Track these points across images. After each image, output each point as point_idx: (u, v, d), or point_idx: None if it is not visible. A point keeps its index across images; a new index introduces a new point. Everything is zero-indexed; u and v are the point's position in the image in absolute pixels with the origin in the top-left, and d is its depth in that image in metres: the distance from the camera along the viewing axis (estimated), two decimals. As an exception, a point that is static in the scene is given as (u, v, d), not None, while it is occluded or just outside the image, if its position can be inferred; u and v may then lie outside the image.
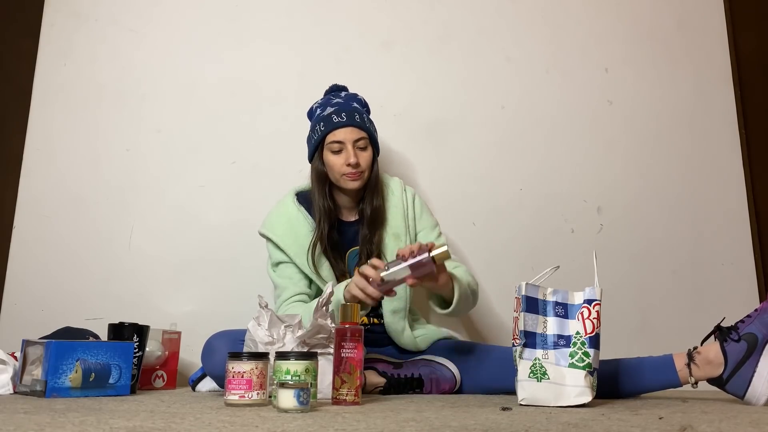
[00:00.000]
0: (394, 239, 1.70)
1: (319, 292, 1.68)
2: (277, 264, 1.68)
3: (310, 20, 2.17)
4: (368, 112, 1.77)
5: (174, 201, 2.03)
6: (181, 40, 2.13)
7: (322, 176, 1.70)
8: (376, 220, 1.70)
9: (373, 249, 1.69)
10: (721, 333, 1.33)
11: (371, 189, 1.71)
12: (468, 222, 2.10)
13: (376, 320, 1.70)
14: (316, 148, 1.69)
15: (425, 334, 1.68)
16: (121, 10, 2.13)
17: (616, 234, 2.15)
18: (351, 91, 1.77)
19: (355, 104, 1.72)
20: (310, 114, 1.76)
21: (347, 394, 1.21)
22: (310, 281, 1.66)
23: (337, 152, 1.66)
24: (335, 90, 1.79)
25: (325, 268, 1.65)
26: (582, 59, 2.25)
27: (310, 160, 1.72)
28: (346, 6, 2.19)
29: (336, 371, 1.23)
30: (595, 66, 2.25)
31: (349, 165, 1.64)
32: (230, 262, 1.99)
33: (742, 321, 1.34)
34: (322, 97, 1.77)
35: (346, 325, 1.26)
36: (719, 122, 2.26)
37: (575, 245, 2.11)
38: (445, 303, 1.57)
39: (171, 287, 1.98)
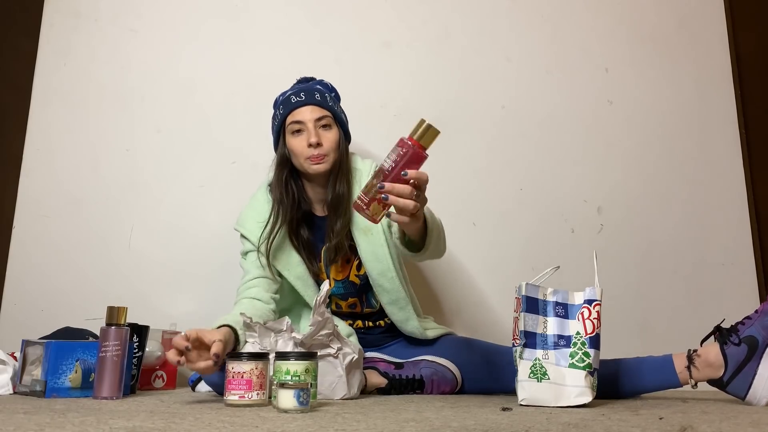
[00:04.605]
0: (363, 235, 1.58)
1: (286, 288, 1.61)
2: (246, 253, 1.62)
3: (310, 20, 2.17)
4: (337, 98, 1.68)
5: (174, 201, 2.03)
6: (181, 40, 2.13)
7: (283, 161, 1.59)
8: (338, 207, 1.56)
9: (332, 238, 1.56)
10: (720, 335, 1.32)
11: (335, 174, 1.57)
12: (468, 222, 2.10)
13: (370, 323, 1.68)
14: (279, 134, 1.59)
15: (429, 327, 1.66)
16: (121, 9, 2.13)
17: (616, 234, 2.14)
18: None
19: (319, 86, 1.62)
20: (275, 104, 1.66)
21: (367, 206, 1.18)
22: (281, 276, 1.59)
23: (298, 133, 1.55)
24: (303, 81, 1.71)
25: (299, 267, 1.59)
26: (582, 59, 2.25)
27: (276, 149, 1.63)
28: (346, 6, 2.19)
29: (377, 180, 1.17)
30: (595, 66, 2.25)
31: (310, 146, 1.52)
32: (230, 262, 1.97)
33: (742, 323, 1.33)
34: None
35: (412, 143, 1.18)
36: (719, 122, 2.26)
37: (575, 245, 2.10)
38: (414, 246, 1.41)
39: (171, 287, 1.98)
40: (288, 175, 1.59)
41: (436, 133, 1.19)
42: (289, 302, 1.64)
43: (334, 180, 1.57)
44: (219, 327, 1.32)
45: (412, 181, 1.17)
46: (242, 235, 1.63)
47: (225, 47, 2.13)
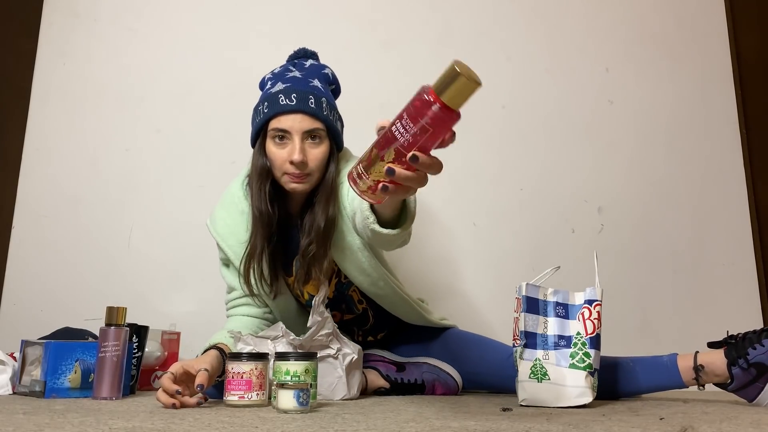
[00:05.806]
0: (341, 253, 1.40)
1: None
2: (224, 264, 1.51)
3: (310, 20, 2.17)
4: (336, 92, 1.48)
5: (173, 201, 2.03)
6: (180, 39, 2.13)
7: (263, 172, 1.37)
8: (329, 235, 1.37)
9: (320, 272, 1.37)
10: (729, 353, 1.28)
11: (325, 194, 1.37)
12: (468, 222, 2.10)
13: (360, 337, 1.60)
14: (258, 134, 1.39)
15: (434, 319, 1.58)
16: (120, 9, 2.13)
17: (616, 234, 2.14)
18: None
19: (316, 82, 1.39)
20: (261, 85, 1.46)
21: (373, 190, 0.90)
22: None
23: (281, 142, 1.35)
24: (300, 56, 1.48)
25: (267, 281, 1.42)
26: (582, 59, 2.25)
27: (253, 145, 1.43)
28: (346, 6, 2.19)
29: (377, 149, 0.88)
30: (595, 66, 2.25)
31: (292, 162, 1.32)
32: (230, 262, 1.98)
33: (753, 347, 1.27)
34: (283, 63, 1.48)
35: (439, 104, 0.84)
36: (720, 122, 2.26)
37: (576, 245, 2.10)
38: (389, 223, 1.14)
39: (170, 287, 1.97)
40: (271, 190, 1.38)
41: (474, 87, 0.84)
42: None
43: (324, 200, 1.37)
44: (207, 350, 1.30)
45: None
46: (216, 241, 1.51)
47: (224, 47, 2.13)
